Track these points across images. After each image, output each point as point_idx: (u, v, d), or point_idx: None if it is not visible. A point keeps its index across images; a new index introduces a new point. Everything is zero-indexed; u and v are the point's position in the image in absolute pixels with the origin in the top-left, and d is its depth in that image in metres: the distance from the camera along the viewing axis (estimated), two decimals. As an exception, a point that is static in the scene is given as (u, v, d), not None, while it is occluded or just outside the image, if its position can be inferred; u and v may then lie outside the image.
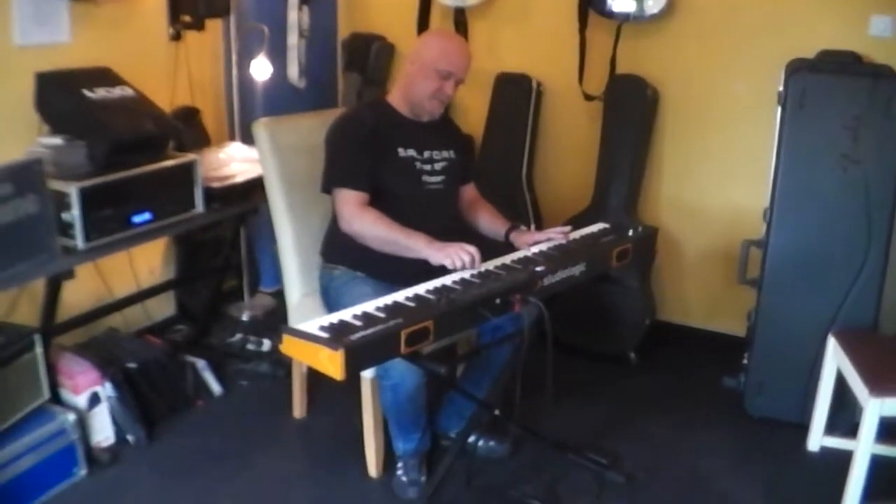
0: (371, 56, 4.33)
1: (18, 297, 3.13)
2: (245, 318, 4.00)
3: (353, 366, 2.07)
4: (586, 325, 3.82)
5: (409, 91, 2.89)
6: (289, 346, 2.16)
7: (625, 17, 3.74)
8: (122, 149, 3.04)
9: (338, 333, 2.10)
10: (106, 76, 3.27)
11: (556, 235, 2.86)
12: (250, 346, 3.75)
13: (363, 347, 2.08)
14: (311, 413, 3.35)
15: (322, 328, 2.14)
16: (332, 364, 2.04)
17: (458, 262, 2.54)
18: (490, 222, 3.04)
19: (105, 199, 2.92)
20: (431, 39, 3.01)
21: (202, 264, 4.02)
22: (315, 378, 3.26)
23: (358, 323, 2.18)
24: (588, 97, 3.94)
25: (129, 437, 3.11)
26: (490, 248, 2.75)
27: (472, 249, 2.58)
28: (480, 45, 4.12)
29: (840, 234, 3.15)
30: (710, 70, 3.79)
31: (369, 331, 2.12)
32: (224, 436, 3.24)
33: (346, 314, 2.24)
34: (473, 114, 4.05)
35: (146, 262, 3.79)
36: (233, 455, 3.12)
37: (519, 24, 4.12)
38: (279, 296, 4.28)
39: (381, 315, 2.23)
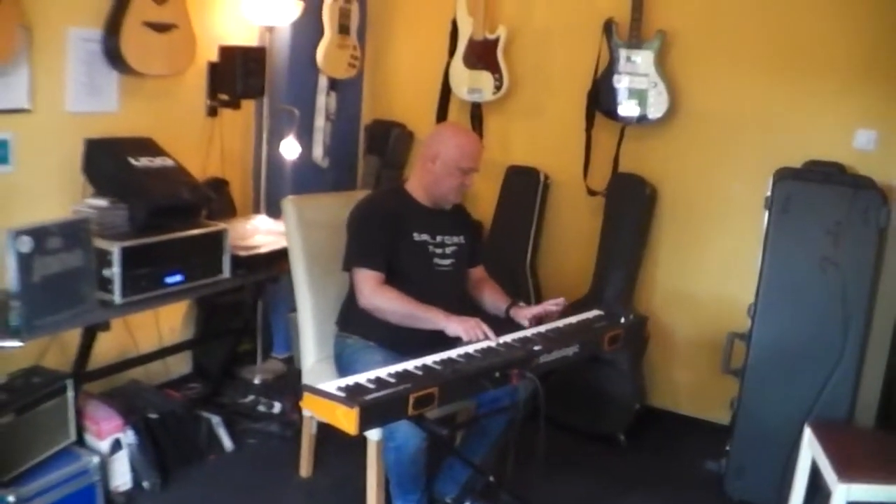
0: (391, 141, 4.63)
1: (50, 344, 3.35)
2: (257, 381, 4.21)
3: (366, 423, 2.29)
4: (580, 406, 4.01)
5: (433, 187, 3.16)
6: (308, 402, 2.37)
7: (629, 120, 4.04)
8: (159, 213, 3.32)
9: (353, 393, 2.33)
10: (149, 146, 3.56)
11: (550, 307, 3.10)
12: (261, 408, 3.95)
13: (375, 407, 2.30)
14: (316, 472, 3.53)
15: (339, 388, 2.36)
16: (347, 420, 2.26)
17: (474, 336, 2.80)
18: (493, 300, 3.27)
19: (142, 259, 3.17)
20: (449, 140, 3.17)
21: (219, 326, 4.24)
22: (322, 439, 3.47)
23: (371, 386, 2.40)
24: (591, 192, 4.22)
25: (145, 484, 3.30)
26: (493, 324, 2.95)
27: (487, 330, 2.83)
28: (494, 138, 4.42)
29: (818, 330, 3.38)
30: (706, 172, 4.06)
31: (381, 393, 2.35)
32: (233, 490, 3.42)
33: (361, 378, 2.46)
34: (484, 201, 4.32)
35: (169, 321, 4.02)
36: (241, 508, 3.32)
37: (530, 121, 4.43)
38: (289, 361, 4.52)
39: (392, 380, 2.46)
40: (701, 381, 4.20)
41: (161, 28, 3.57)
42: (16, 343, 2.47)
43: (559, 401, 3.64)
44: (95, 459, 3.10)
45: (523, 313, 3.11)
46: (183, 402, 3.64)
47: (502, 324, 3.03)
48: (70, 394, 3.09)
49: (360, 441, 2.99)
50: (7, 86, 3.22)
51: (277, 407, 3.94)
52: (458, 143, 3.14)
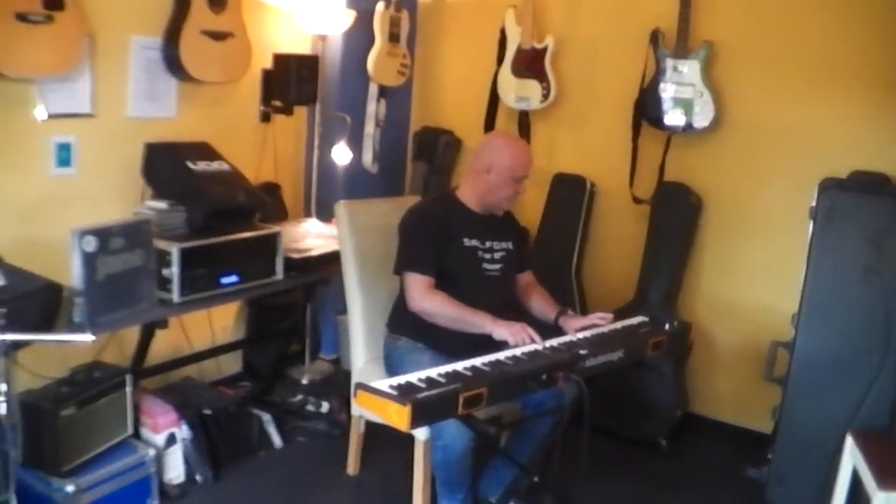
0: (439, 148, 4.72)
1: (109, 340, 3.48)
2: (305, 381, 4.30)
3: (417, 420, 2.36)
4: (622, 411, 4.05)
5: (488, 196, 3.22)
6: (362, 399, 2.45)
7: (675, 129, 4.08)
8: (216, 216, 3.43)
9: (405, 392, 2.41)
10: (205, 151, 3.67)
11: (598, 320, 3.15)
12: (310, 407, 4.04)
13: (426, 405, 2.38)
14: (363, 470, 3.61)
15: (391, 387, 2.44)
16: (399, 417, 2.33)
17: (520, 340, 2.86)
18: (541, 307, 3.33)
19: (200, 260, 3.29)
20: (502, 150, 3.23)
21: (269, 327, 4.35)
22: (369, 438, 3.56)
23: (422, 385, 2.48)
24: (637, 200, 4.26)
25: (198, 477, 3.40)
26: (540, 329, 3.02)
27: (534, 335, 2.89)
28: (541, 145, 4.48)
29: (861, 340, 3.38)
30: (751, 181, 4.08)
31: (432, 392, 2.42)
32: (283, 485, 3.52)
33: (412, 377, 2.53)
34: (531, 208, 4.37)
35: (221, 320, 4.13)
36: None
37: (577, 129, 4.48)
38: (337, 363, 4.61)
39: (443, 380, 2.53)
40: (743, 388, 4.21)
41: (218, 36, 3.68)
42: (88, 337, 2.57)
43: (602, 406, 3.64)
44: (151, 452, 3.21)
45: (572, 324, 3.16)
46: (235, 399, 3.73)
47: (550, 331, 3.08)
48: (128, 388, 3.21)
49: (407, 440, 3.07)
50: (71, 91, 3.35)
51: (325, 406, 4.03)
52: (511, 153, 3.21)
